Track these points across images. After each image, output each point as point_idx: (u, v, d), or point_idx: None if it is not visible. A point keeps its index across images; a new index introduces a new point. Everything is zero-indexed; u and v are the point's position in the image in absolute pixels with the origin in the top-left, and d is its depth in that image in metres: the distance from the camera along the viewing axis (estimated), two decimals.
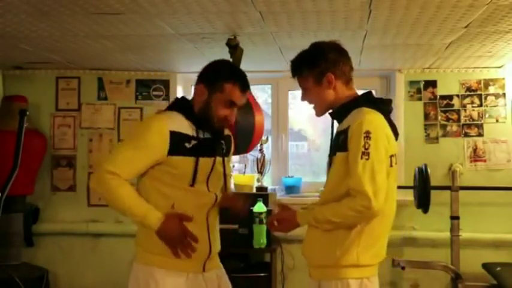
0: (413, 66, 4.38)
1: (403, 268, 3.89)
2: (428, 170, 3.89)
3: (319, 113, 2.31)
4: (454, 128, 4.42)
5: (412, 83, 4.47)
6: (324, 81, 2.19)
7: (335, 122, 2.31)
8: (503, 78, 4.39)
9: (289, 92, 4.83)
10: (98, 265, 4.57)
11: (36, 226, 4.55)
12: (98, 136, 4.62)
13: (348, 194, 2.07)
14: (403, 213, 4.34)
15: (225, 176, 2.43)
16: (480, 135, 4.39)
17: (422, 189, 3.89)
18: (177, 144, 2.18)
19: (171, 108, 2.35)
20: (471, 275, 4.05)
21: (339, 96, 2.23)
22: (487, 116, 4.40)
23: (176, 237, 2.18)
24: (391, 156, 2.13)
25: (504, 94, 4.39)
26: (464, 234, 4.08)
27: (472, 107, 4.41)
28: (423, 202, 3.90)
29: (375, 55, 3.94)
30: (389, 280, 4.36)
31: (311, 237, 2.24)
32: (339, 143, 2.13)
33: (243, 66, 3.39)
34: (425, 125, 4.44)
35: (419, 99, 4.46)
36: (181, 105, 2.33)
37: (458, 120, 4.42)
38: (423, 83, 4.46)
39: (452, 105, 4.43)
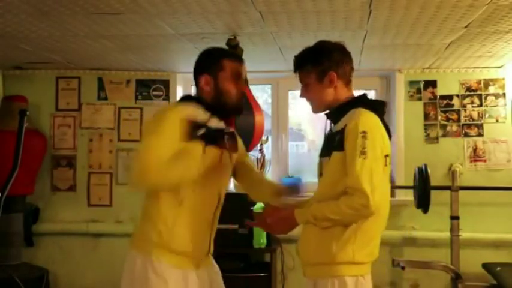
0: (413, 66, 4.38)
1: (403, 268, 3.89)
2: (428, 170, 3.89)
3: (316, 110, 2.32)
4: (454, 128, 4.42)
5: (412, 83, 4.47)
6: (325, 80, 2.21)
7: (328, 122, 2.32)
8: (503, 78, 4.39)
9: (289, 92, 4.82)
10: (98, 265, 4.57)
11: (36, 226, 4.55)
12: (98, 136, 4.62)
13: (345, 192, 2.07)
14: (403, 213, 4.35)
15: (236, 172, 2.48)
16: (480, 135, 4.39)
17: (422, 189, 3.88)
18: (190, 131, 2.19)
19: (184, 99, 2.40)
20: (471, 275, 4.05)
21: (338, 96, 2.25)
22: (487, 116, 4.40)
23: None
24: (386, 156, 2.14)
25: (504, 94, 4.39)
26: (464, 234, 4.08)
27: (472, 107, 4.41)
28: (423, 202, 3.90)
29: (375, 55, 3.95)
30: (390, 280, 4.36)
31: (306, 236, 2.24)
32: (335, 143, 2.14)
33: None
34: (425, 125, 4.44)
35: (419, 99, 4.46)
36: (192, 97, 2.38)
37: (458, 120, 4.42)
38: (423, 83, 4.46)
39: (452, 105, 4.43)
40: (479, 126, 4.40)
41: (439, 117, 4.43)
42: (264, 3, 2.72)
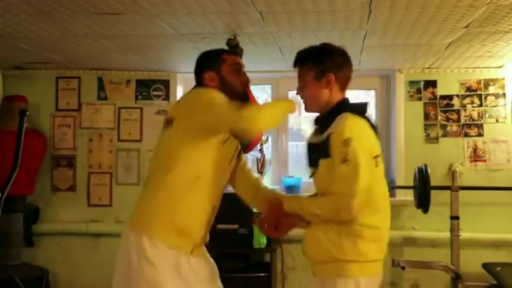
0: (413, 66, 4.38)
1: (403, 268, 3.89)
2: (428, 170, 3.89)
3: (309, 109, 2.35)
4: (454, 128, 4.42)
5: (412, 83, 4.47)
6: (323, 80, 2.24)
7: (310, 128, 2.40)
8: (503, 78, 4.39)
9: (289, 92, 4.82)
10: (98, 265, 4.56)
11: (36, 226, 4.55)
12: (98, 136, 4.62)
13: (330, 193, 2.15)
14: (403, 213, 4.35)
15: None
16: (480, 135, 4.39)
17: (422, 189, 3.89)
18: None
19: None
20: (471, 275, 4.04)
21: (332, 99, 2.28)
22: (487, 116, 4.40)
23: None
24: (376, 157, 2.17)
25: (504, 94, 4.39)
26: (464, 234, 4.08)
27: (472, 107, 4.41)
28: (423, 202, 3.90)
29: (375, 55, 3.94)
30: (390, 280, 4.36)
31: (313, 234, 2.24)
32: (323, 150, 2.18)
33: None
34: (425, 125, 4.44)
35: (419, 99, 4.46)
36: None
37: (458, 120, 4.42)
38: (423, 83, 4.46)
39: (452, 105, 4.43)
40: (479, 126, 4.40)
41: (439, 117, 4.43)
42: (264, 3, 2.72)
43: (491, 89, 4.41)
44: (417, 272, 4.27)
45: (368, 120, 2.25)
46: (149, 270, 2.18)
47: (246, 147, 3.31)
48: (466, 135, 4.41)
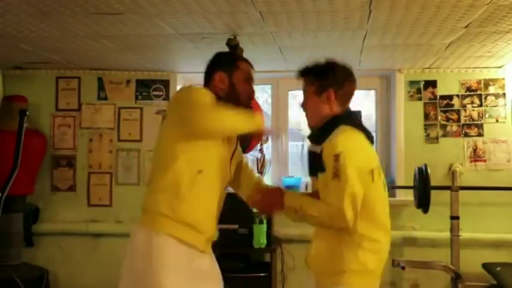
0: (413, 66, 4.38)
1: (403, 268, 3.89)
2: (428, 170, 3.89)
3: (310, 122, 2.37)
4: (454, 128, 4.42)
5: (412, 83, 4.47)
6: (323, 95, 2.27)
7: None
8: (503, 78, 4.39)
9: (289, 92, 4.83)
10: (98, 265, 4.57)
11: (36, 226, 4.55)
12: (98, 136, 4.62)
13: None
14: (403, 213, 4.35)
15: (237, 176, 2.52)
16: (480, 135, 4.39)
17: (422, 189, 3.89)
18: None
19: None
20: (471, 275, 4.04)
21: (331, 114, 2.29)
22: (487, 116, 4.40)
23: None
24: (372, 171, 2.18)
25: (504, 94, 4.39)
26: (464, 234, 4.08)
27: (472, 107, 4.41)
28: (423, 202, 3.90)
29: (375, 55, 3.95)
30: (390, 280, 4.36)
31: (318, 246, 2.28)
32: (319, 165, 2.22)
33: None
34: (425, 125, 4.44)
35: (419, 99, 4.46)
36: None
37: (458, 120, 4.42)
38: (423, 83, 4.46)
39: (452, 105, 4.43)
40: (479, 126, 4.40)
41: (439, 117, 4.43)
42: (264, 3, 2.72)
43: (491, 89, 4.41)
44: (417, 272, 4.27)
45: (365, 131, 2.27)
46: (158, 265, 2.17)
47: (246, 147, 3.32)
48: (466, 135, 4.41)
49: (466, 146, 4.40)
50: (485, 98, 4.41)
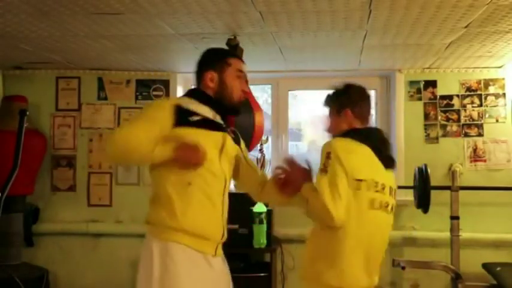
0: (413, 66, 4.38)
1: (403, 268, 3.89)
2: (428, 170, 3.89)
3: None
4: (454, 128, 4.42)
5: (412, 83, 4.47)
6: (342, 114, 2.46)
7: None
8: (503, 78, 4.39)
9: (289, 92, 4.83)
10: (98, 265, 4.57)
11: (36, 226, 4.55)
12: (98, 136, 4.62)
13: None
14: (403, 213, 4.34)
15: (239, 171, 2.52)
16: (480, 135, 4.39)
17: (422, 189, 3.88)
18: (181, 117, 2.25)
19: (184, 96, 2.47)
20: (471, 275, 4.04)
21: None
22: (487, 116, 4.40)
23: (193, 149, 2.20)
24: (358, 180, 2.25)
25: (504, 94, 4.39)
26: (464, 234, 4.08)
27: (472, 107, 4.41)
28: (423, 202, 3.90)
29: (375, 55, 3.95)
30: (389, 280, 4.36)
31: (305, 252, 2.43)
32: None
33: None
34: (425, 125, 4.44)
35: (419, 99, 4.46)
36: (195, 93, 2.43)
37: (458, 120, 4.42)
38: (423, 83, 4.46)
39: (452, 105, 4.43)
40: (479, 126, 4.40)
41: (439, 117, 4.43)
42: (264, 3, 2.72)
43: (491, 89, 4.41)
44: (417, 272, 4.27)
45: (372, 145, 2.34)
46: (172, 271, 2.19)
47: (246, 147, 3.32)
48: (466, 135, 4.41)
49: (466, 146, 4.40)
50: (485, 98, 4.41)
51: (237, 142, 2.50)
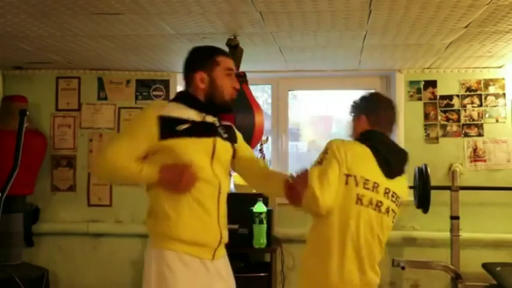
0: (413, 66, 4.38)
1: (403, 268, 3.89)
2: (428, 170, 3.89)
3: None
4: (454, 128, 4.42)
5: (412, 83, 4.47)
6: (358, 119, 2.58)
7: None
8: (503, 78, 4.39)
9: (289, 92, 4.83)
10: (98, 265, 4.57)
11: (36, 226, 4.55)
12: (98, 136, 4.62)
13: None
14: (403, 213, 4.32)
15: (239, 165, 2.50)
16: (480, 135, 4.39)
17: (422, 189, 3.89)
18: (168, 128, 2.23)
19: (172, 100, 2.44)
20: (471, 275, 4.05)
21: None
22: (487, 116, 4.40)
23: (179, 175, 2.19)
24: (347, 175, 2.32)
25: (504, 94, 4.39)
26: (464, 234, 4.08)
27: (472, 107, 4.41)
28: (423, 202, 3.90)
29: (375, 55, 3.95)
30: (389, 280, 4.36)
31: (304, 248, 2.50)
32: None
33: (243, 66, 3.40)
34: (425, 125, 4.44)
35: (419, 99, 4.46)
36: (182, 96, 2.42)
37: (458, 120, 4.42)
38: (423, 83, 4.46)
39: (452, 105, 4.43)
40: (479, 126, 4.40)
41: (439, 117, 4.43)
42: (264, 3, 2.72)
43: (491, 89, 4.41)
44: (417, 272, 4.27)
45: (373, 147, 2.40)
46: (171, 278, 2.20)
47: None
48: (466, 135, 4.41)
49: (466, 146, 4.40)
50: (485, 98, 4.41)
51: (232, 139, 2.46)
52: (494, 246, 4.28)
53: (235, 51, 3.35)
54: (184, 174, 2.19)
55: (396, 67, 4.42)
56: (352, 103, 2.67)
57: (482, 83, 4.41)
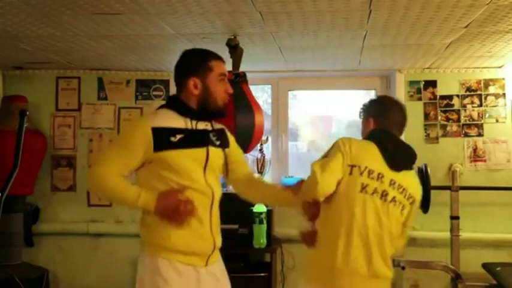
0: (413, 66, 4.38)
1: (403, 268, 3.89)
2: (428, 170, 3.89)
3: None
4: (454, 128, 4.42)
5: (412, 83, 4.47)
6: (369, 121, 2.62)
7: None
8: (503, 78, 4.39)
9: (289, 92, 4.83)
10: (98, 265, 4.57)
11: (36, 226, 4.55)
12: (98, 136, 4.62)
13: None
14: None
15: (228, 168, 2.47)
16: (480, 135, 4.40)
17: (422, 189, 3.86)
18: (162, 139, 2.22)
19: (162, 107, 2.39)
20: (471, 275, 4.05)
21: None
22: (487, 116, 4.40)
23: (174, 209, 2.19)
24: (351, 166, 2.36)
25: (504, 94, 4.39)
26: (464, 234, 4.08)
27: (472, 107, 4.41)
28: (423, 202, 3.87)
29: (375, 55, 3.94)
30: None
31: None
32: None
33: (243, 66, 3.40)
34: (425, 125, 4.44)
35: (419, 99, 4.46)
36: (173, 103, 2.37)
37: (458, 120, 4.42)
38: (423, 83, 4.46)
39: (452, 105, 4.43)
40: (479, 126, 4.40)
41: (439, 117, 4.43)
42: (264, 3, 2.72)
43: (491, 89, 4.41)
44: (417, 272, 4.27)
45: (378, 143, 2.44)
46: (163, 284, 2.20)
47: (246, 147, 3.32)
48: (466, 135, 4.41)
49: (466, 146, 4.40)
50: (485, 98, 4.41)
51: (224, 144, 2.44)
52: (494, 246, 4.28)
53: (235, 51, 3.35)
54: (180, 208, 2.19)
55: (396, 67, 4.42)
56: (361, 106, 2.73)
57: (482, 83, 4.41)
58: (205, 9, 2.82)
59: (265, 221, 4.13)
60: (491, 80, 4.40)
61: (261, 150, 4.49)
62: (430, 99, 4.45)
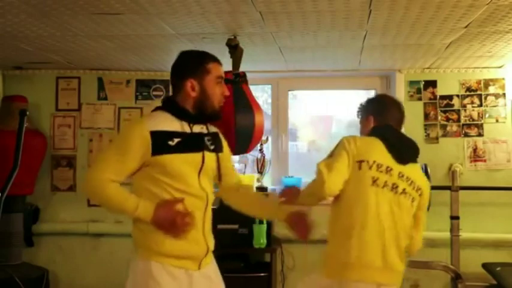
0: (413, 66, 4.38)
1: None
2: (429, 170, 3.89)
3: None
4: (454, 128, 4.42)
5: (412, 83, 4.47)
6: (368, 119, 2.66)
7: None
8: (503, 78, 4.39)
9: (289, 92, 4.83)
10: (98, 265, 4.57)
11: (36, 226, 4.55)
12: (98, 136, 4.62)
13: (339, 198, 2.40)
14: None
15: (220, 172, 2.44)
16: (480, 135, 4.40)
17: None
18: (160, 143, 2.20)
19: (158, 108, 2.37)
20: (471, 275, 4.05)
21: None
22: (487, 116, 4.40)
23: (171, 221, 2.18)
24: (359, 161, 2.38)
25: (504, 94, 4.39)
26: (464, 234, 4.08)
27: (472, 107, 4.41)
28: None
29: (375, 55, 3.94)
30: None
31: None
32: None
33: (243, 66, 3.40)
34: (425, 125, 4.44)
35: (419, 99, 4.46)
36: (169, 105, 2.35)
37: (458, 120, 4.42)
38: (423, 83, 4.46)
39: (452, 105, 4.43)
40: (479, 126, 4.40)
41: (439, 117, 4.43)
42: (264, 3, 2.72)
43: (491, 89, 4.41)
44: (417, 272, 4.27)
45: (382, 137, 2.47)
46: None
47: (246, 147, 3.32)
48: (466, 135, 4.41)
49: (466, 146, 4.40)
50: (485, 98, 4.41)
51: (218, 148, 2.42)
52: (494, 246, 4.28)
53: (235, 51, 3.35)
54: (177, 221, 2.18)
55: (396, 67, 4.42)
56: (359, 106, 2.75)
57: (482, 83, 4.41)
58: (205, 9, 2.82)
59: (265, 221, 4.13)
60: (491, 80, 4.40)
61: (261, 150, 4.49)
62: (430, 99, 4.45)
